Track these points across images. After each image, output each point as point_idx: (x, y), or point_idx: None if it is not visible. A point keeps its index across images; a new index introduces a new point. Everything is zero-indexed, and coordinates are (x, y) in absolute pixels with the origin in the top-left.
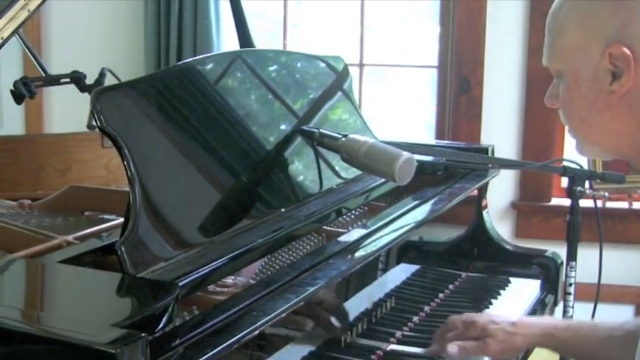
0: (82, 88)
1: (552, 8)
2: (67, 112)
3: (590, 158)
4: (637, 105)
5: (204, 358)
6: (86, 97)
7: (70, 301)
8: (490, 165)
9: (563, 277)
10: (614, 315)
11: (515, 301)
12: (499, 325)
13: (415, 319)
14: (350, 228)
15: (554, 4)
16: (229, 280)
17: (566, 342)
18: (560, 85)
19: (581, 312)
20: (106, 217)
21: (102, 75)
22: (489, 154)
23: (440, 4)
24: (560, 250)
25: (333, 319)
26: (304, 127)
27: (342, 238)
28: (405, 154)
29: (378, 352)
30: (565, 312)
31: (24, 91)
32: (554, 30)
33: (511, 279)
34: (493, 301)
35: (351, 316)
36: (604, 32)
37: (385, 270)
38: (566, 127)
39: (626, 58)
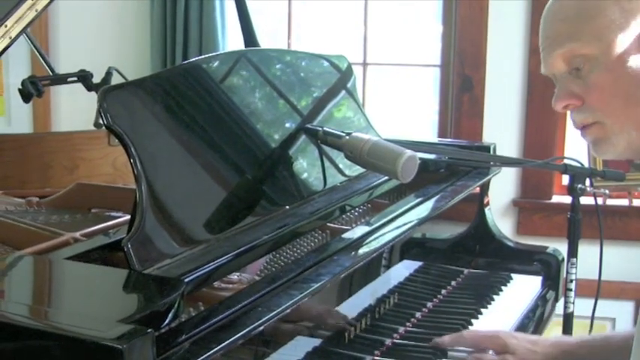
0: (89, 87)
1: None
2: (74, 110)
3: (610, 157)
4: None
5: (209, 353)
6: (93, 96)
7: (77, 297)
8: (492, 163)
9: (564, 274)
10: (614, 311)
11: (516, 297)
12: (519, 342)
13: (418, 314)
14: (354, 225)
15: None
16: (234, 276)
17: (583, 358)
18: (586, 74)
19: (582, 308)
20: (113, 214)
21: (108, 74)
22: (491, 152)
23: (442, 4)
24: (561, 247)
25: (337, 313)
26: (308, 126)
27: (345, 235)
28: (408, 152)
29: (382, 347)
30: (566, 308)
31: (32, 89)
32: (579, 13)
33: (513, 275)
34: (495, 297)
35: (355, 312)
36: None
37: (388, 266)
38: (589, 123)
39: None
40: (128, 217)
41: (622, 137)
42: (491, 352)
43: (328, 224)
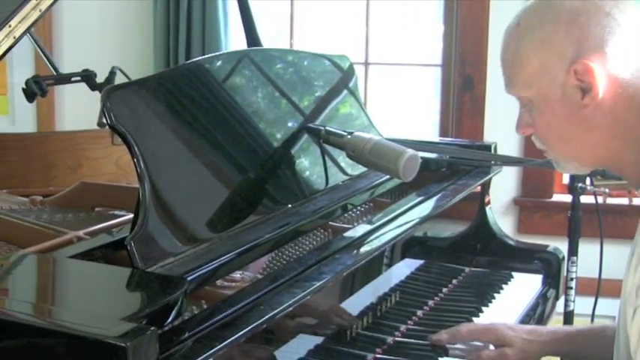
0: (93, 86)
1: (504, 42)
2: (77, 110)
3: (569, 174)
4: (608, 113)
5: (212, 351)
6: (97, 95)
7: (80, 295)
8: (493, 162)
9: (564, 272)
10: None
11: (517, 295)
12: (517, 333)
13: (419, 313)
14: (355, 224)
15: (504, 37)
16: (237, 274)
17: (580, 347)
18: (530, 111)
19: (582, 306)
20: (116, 213)
21: (112, 73)
22: (492, 151)
23: (444, 4)
24: (562, 246)
25: (339, 311)
26: (310, 125)
27: (347, 234)
28: (410, 151)
29: (383, 345)
30: (566, 306)
31: (36, 89)
32: (512, 61)
33: (513, 274)
34: (496, 295)
35: (357, 310)
36: (563, 52)
37: (390, 265)
38: (543, 150)
39: (590, 72)
40: (131, 215)
41: (568, 164)
42: (491, 346)
43: (330, 223)
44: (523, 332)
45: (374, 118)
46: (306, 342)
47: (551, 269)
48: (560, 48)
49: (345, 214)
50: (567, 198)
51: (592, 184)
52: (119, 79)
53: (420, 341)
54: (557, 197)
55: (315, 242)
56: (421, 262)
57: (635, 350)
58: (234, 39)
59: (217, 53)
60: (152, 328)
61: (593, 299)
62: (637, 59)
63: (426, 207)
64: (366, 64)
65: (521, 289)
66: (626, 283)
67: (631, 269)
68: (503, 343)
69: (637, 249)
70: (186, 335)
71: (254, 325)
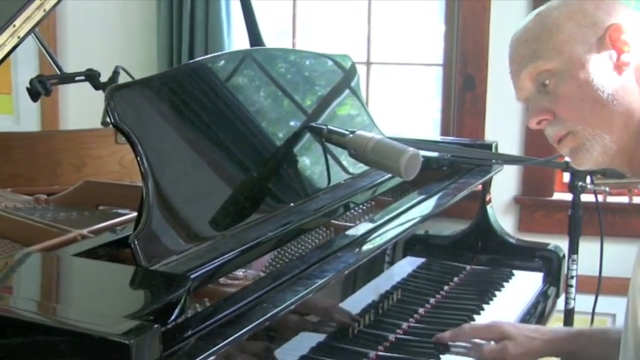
0: (97, 85)
1: (523, 27)
2: (81, 109)
3: (588, 166)
4: (638, 73)
5: (215, 348)
6: (100, 95)
7: (84, 293)
8: (494, 161)
9: (565, 270)
10: (614, 307)
11: (518, 293)
12: (519, 330)
13: (421, 310)
14: (357, 222)
15: (527, 18)
16: (240, 272)
17: (581, 348)
18: (554, 87)
19: (583, 304)
20: (120, 211)
21: (116, 73)
22: (493, 150)
23: (445, 4)
24: (562, 244)
25: (341, 309)
26: (313, 124)
27: (349, 232)
28: (411, 150)
29: (385, 342)
30: (567, 304)
31: (40, 88)
32: (538, 35)
33: (514, 272)
34: (497, 293)
35: (359, 308)
36: (595, 21)
37: (392, 263)
38: (562, 139)
39: (624, 33)
40: (135, 214)
41: (596, 142)
42: (492, 343)
43: (332, 221)
44: (525, 330)
45: (375, 117)
46: (308, 339)
47: (551, 267)
48: (591, 18)
49: (347, 213)
50: (568, 196)
51: (592, 182)
52: (123, 79)
53: (422, 339)
54: (557, 196)
55: (317, 240)
56: (422, 260)
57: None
58: (236, 39)
59: (220, 53)
60: (155, 326)
61: (593, 297)
62: None
63: (428, 205)
64: (368, 63)
65: (522, 287)
66: (635, 278)
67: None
68: (504, 337)
69: None
70: (190, 333)
71: (257, 322)
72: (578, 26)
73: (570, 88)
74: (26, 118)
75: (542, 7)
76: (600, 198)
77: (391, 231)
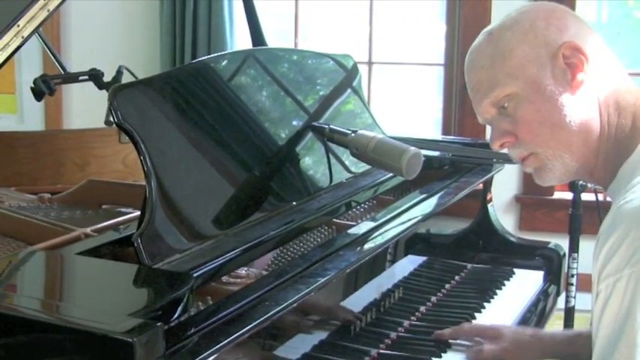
0: (100, 85)
1: (474, 55)
2: (85, 108)
3: (552, 183)
4: (593, 90)
5: (218, 346)
6: (104, 94)
7: (88, 291)
8: (495, 160)
9: (565, 268)
10: None
11: (518, 291)
12: (518, 332)
13: (422, 308)
14: (359, 221)
15: (472, 53)
16: (242, 271)
17: (580, 350)
18: (513, 110)
19: (583, 302)
20: (123, 210)
21: (119, 73)
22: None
23: (446, 4)
24: (563, 242)
25: (343, 307)
26: (315, 124)
27: (351, 231)
28: (413, 149)
29: (387, 340)
30: (567, 302)
31: (44, 88)
32: (492, 62)
33: (515, 270)
34: (497, 291)
35: (361, 306)
36: (547, 40)
37: (393, 261)
38: (525, 155)
39: (578, 49)
40: (138, 213)
41: (557, 162)
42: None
43: (334, 220)
44: (524, 332)
45: (377, 116)
46: (310, 337)
47: (552, 266)
48: (543, 37)
49: (349, 212)
50: (568, 195)
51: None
52: (126, 78)
53: (424, 337)
54: (558, 195)
55: (319, 239)
56: (424, 258)
57: (595, 334)
58: (239, 39)
59: (223, 53)
60: (159, 324)
61: None
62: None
63: (429, 204)
64: (370, 63)
65: (523, 285)
66: (593, 274)
67: (594, 260)
68: (503, 342)
69: (600, 240)
70: (192, 331)
71: (259, 320)
72: (530, 47)
73: (528, 111)
74: (30, 117)
75: (494, 26)
76: (600, 197)
77: (393, 230)
